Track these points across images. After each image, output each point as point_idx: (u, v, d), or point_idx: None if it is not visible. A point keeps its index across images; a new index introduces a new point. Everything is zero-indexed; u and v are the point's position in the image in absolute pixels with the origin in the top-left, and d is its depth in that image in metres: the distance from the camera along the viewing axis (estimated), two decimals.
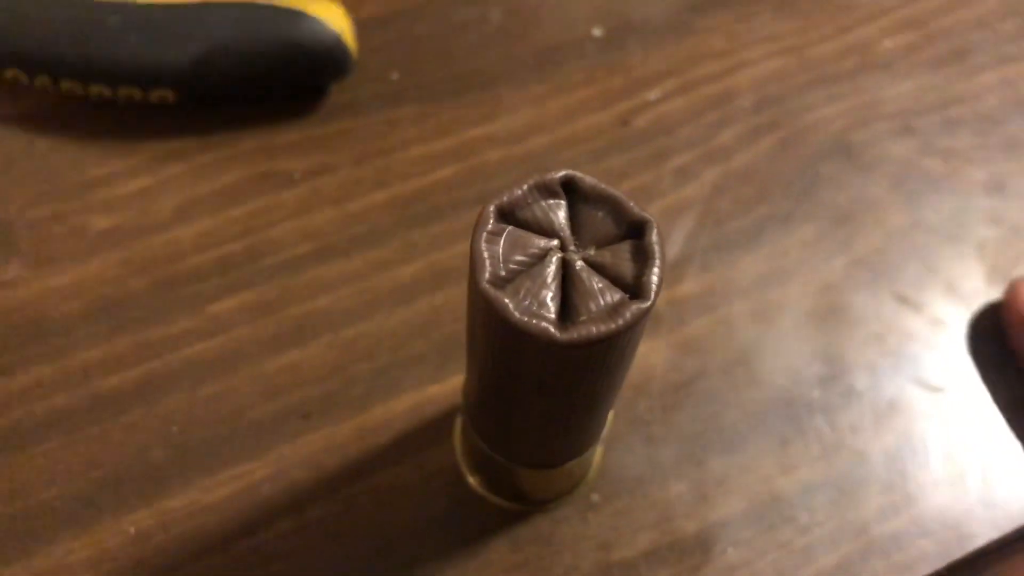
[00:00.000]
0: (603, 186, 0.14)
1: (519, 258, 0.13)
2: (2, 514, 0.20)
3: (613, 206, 0.14)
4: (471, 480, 0.20)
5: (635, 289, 0.13)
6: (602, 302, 0.13)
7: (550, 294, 0.13)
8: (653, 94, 0.26)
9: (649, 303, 0.13)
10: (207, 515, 0.20)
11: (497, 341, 0.14)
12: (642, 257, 0.13)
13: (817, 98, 0.26)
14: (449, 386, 0.21)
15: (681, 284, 0.23)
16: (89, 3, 0.23)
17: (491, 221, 0.13)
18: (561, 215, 0.14)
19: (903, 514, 0.20)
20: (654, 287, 0.13)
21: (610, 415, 0.18)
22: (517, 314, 0.13)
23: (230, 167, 0.24)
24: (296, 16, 0.23)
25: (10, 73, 0.23)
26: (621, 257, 0.14)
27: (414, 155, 0.24)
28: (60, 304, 0.22)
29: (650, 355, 0.22)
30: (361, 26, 0.25)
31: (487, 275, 0.13)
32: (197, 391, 0.21)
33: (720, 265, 0.23)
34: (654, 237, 0.13)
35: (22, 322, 0.21)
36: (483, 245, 0.13)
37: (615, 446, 0.21)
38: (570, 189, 0.14)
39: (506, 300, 0.13)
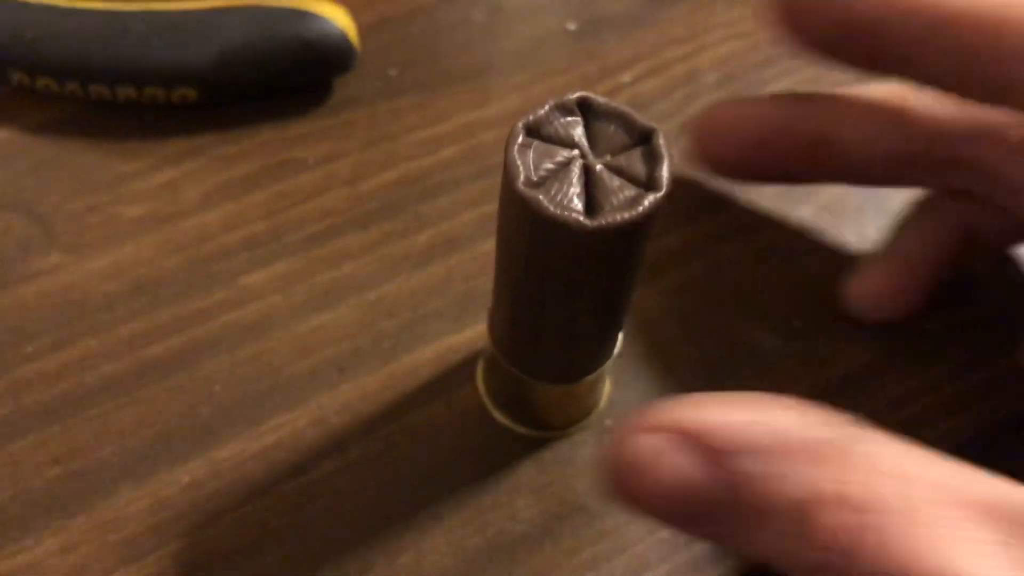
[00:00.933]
0: (613, 104, 0.16)
1: (547, 166, 0.16)
2: (62, 472, 0.21)
3: (623, 120, 0.16)
4: (496, 414, 0.22)
5: (649, 184, 0.15)
6: (622, 196, 0.15)
7: (576, 191, 0.15)
8: (627, 76, 0.28)
9: (663, 192, 0.15)
10: (255, 462, 0.21)
11: (530, 239, 0.16)
12: (652, 158, 0.16)
13: (772, 73, 0.29)
14: (467, 336, 0.23)
15: (668, 235, 0.25)
16: (115, 12, 0.25)
17: (520, 136, 0.16)
18: (579, 130, 0.16)
19: None
20: (665, 180, 0.15)
21: (620, 337, 0.20)
22: (551, 207, 0.15)
23: (249, 157, 0.26)
24: (305, 16, 0.25)
25: (42, 82, 0.25)
26: (634, 160, 0.16)
27: (417, 139, 0.26)
28: (101, 285, 0.23)
29: (646, 299, 0.24)
30: (360, 30, 0.27)
31: (521, 179, 0.15)
32: (236, 353, 0.23)
33: (704, 214, 0.26)
34: (661, 141, 0.16)
35: (67, 303, 0.23)
36: (516, 155, 0.16)
37: (622, 379, 0.23)
38: (585, 108, 0.16)
39: (540, 196, 0.15)
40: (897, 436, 0.14)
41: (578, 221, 0.15)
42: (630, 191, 0.15)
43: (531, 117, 0.16)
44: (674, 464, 0.14)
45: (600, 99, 0.16)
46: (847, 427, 0.14)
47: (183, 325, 0.23)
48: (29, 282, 0.23)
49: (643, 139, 0.16)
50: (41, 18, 0.25)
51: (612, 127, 0.16)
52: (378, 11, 0.29)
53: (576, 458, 0.22)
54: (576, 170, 0.16)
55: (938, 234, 0.23)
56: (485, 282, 0.23)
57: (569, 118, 0.16)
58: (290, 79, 0.26)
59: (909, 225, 0.24)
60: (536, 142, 0.16)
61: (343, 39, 0.25)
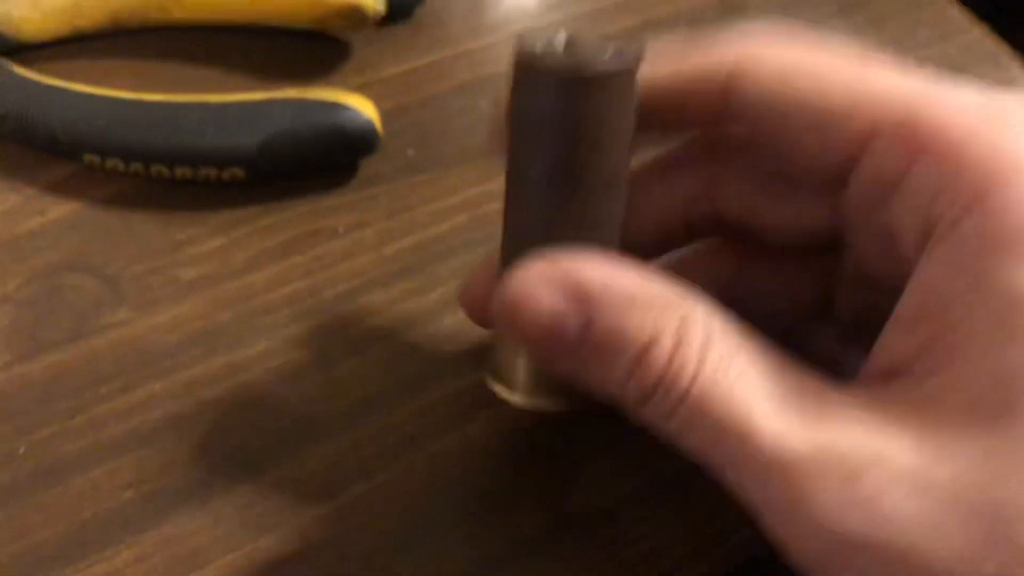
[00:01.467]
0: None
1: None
2: (135, 495, 0.25)
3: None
4: (513, 395, 0.24)
5: (629, 50, 0.19)
6: (605, 55, 0.18)
7: (563, 42, 0.19)
8: None
9: (641, 51, 0.19)
10: (293, 482, 0.25)
11: (523, 103, 0.19)
12: (631, 47, 0.19)
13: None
14: (475, 379, 0.27)
15: None
16: (174, 103, 0.29)
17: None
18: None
19: None
20: (644, 48, 0.19)
21: None
22: (545, 59, 0.18)
23: (288, 227, 0.30)
24: (338, 107, 0.29)
25: (110, 162, 0.29)
26: (616, 47, 0.19)
27: (432, 209, 0.31)
28: (163, 336, 0.27)
29: None
30: (381, 116, 0.32)
31: (521, 51, 0.19)
32: (280, 393, 0.27)
33: None
34: (644, 49, 0.19)
35: (134, 352, 0.27)
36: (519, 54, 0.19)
37: None
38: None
39: (532, 52, 0.19)
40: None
41: (569, 65, 0.18)
42: (612, 51, 0.19)
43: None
44: (547, 300, 0.19)
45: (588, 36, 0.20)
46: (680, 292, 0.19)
47: (234, 371, 0.27)
48: (101, 334, 0.27)
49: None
50: (110, 108, 0.30)
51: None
52: (397, 100, 0.33)
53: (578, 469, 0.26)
54: (564, 38, 0.19)
55: None
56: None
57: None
58: (324, 160, 0.30)
59: None
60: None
61: (370, 127, 0.30)
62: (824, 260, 0.23)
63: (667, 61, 0.21)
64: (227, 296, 0.28)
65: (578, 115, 0.19)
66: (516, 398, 0.23)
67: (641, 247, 0.22)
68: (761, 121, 0.21)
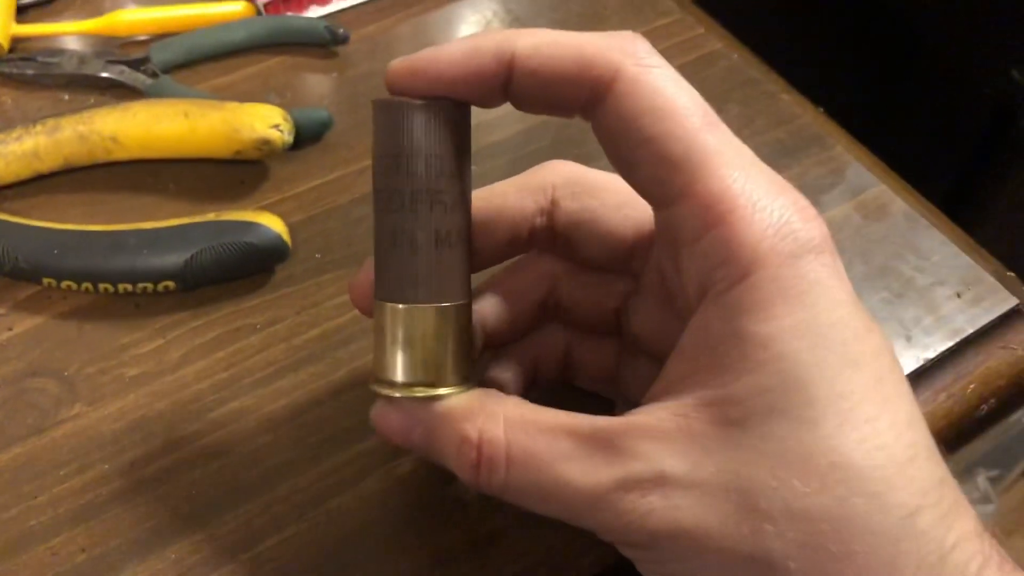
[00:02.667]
0: None
1: None
2: (87, 558, 0.30)
3: None
4: (384, 388, 0.27)
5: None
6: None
7: None
8: None
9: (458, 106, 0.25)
10: (220, 541, 0.31)
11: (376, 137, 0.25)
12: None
13: None
14: (373, 444, 0.33)
15: None
16: (114, 231, 0.36)
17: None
18: None
19: None
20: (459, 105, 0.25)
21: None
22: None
23: (214, 326, 0.36)
24: (251, 226, 0.36)
25: (65, 283, 0.36)
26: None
27: (335, 303, 0.37)
28: (110, 425, 0.33)
29: None
30: (293, 226, 0.38)
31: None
32: (208, 467, 0.32)
33: None
34: None
35: (87, 440, 0.33)
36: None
37: None
38: None
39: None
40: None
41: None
42: None
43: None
44: (394, 427, 0.26)
45: None
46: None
47: (170, 450, 0.33)
48: (60, 427, 0.33)
49: None
50: (63, 239, 0.36)
51: None
52: (308, 212, 0.40)
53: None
54: None
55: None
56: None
57: None
58: (242, 270, 0.36)
59: None
60: None
61: (280, 241, 0.36)
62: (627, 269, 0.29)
63: (556, 43, 0.24)
64: (164, 388, 0.34)
65: (395, 137, 0.24)
66: (395, 392, 0.26)
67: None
68: (617, 135, 0.24)
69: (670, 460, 0.22)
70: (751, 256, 0.22)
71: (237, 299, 0.37)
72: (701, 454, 0.22)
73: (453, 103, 0.25)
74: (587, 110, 0.24)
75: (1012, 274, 0.39)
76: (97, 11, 0.47)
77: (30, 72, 0.44)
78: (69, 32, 0.46)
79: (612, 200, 0.29)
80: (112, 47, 0.46)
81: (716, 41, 0.48)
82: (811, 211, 0.23)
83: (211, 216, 0.36)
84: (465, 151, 0.26)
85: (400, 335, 0.26)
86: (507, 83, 0.24)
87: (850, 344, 0.22)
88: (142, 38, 0.47)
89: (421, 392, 0.26)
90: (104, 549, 0.31)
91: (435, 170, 0.25)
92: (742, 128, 0.44)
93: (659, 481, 0.22)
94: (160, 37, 0.46)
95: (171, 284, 0.36)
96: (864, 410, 0.22)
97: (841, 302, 0.23)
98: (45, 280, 0.36)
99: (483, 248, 0.28)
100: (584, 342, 0.31)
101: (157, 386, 0.34)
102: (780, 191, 0.23)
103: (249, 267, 0.36)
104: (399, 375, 0.26)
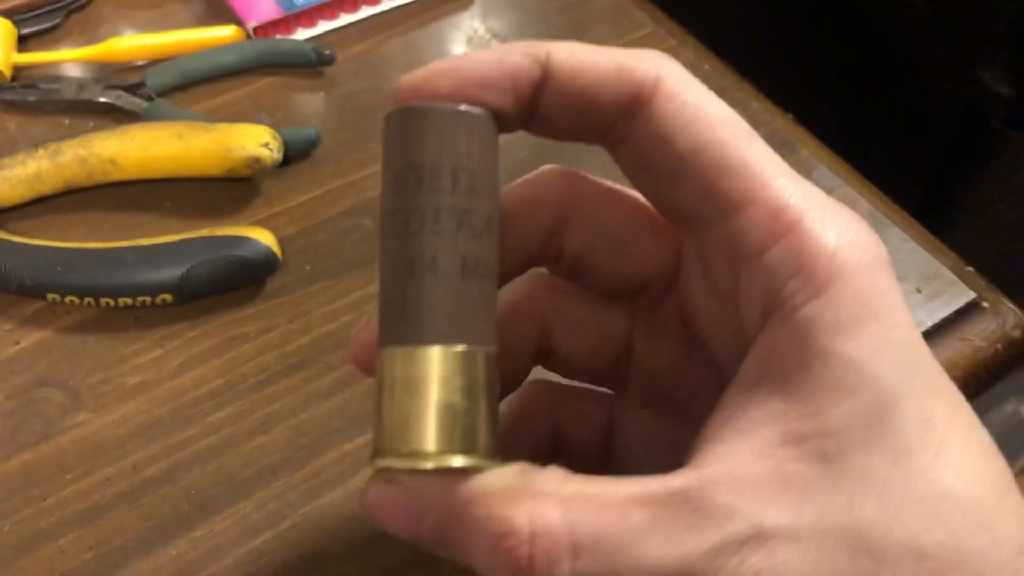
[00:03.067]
0: None
1: None
2: (94, 556, 0.32)
3: None
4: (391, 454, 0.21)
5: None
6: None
7: None
8: None
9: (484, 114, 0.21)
10: (219, 537, 0.33)
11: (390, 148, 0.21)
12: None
13: None
14: (359, 444, 0.35)
15: None
16: (113, 248, 0.38)
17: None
18: None
19: None
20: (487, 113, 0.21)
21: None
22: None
23: (210, 336, 0.38)
24: (243, 240, 0.38)
25: (68, 299, 0.38)
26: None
27: (325, 311, 0.39)
28: (114, 431, 0.35)
29: None
30: (284, 239, 0.40)
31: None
32: (205, 468, 0.34)
33: None
34: None
35: (91, 445, 0.35)
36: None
37: None
38: None
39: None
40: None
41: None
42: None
43: None
44: (398, 512, 0.21)
45: None
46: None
47: (170, 452, 0.35)
48: (66, 434, 0.35)
49: None
50: (65, 257, 0.38)
51: None
52: (298, 225, 0.42)
53: None
54: None
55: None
56: (371, 407, 0.35)
57: None
58: (235, 282, 0.38)
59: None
60: None
61: (270, 253, 0.38)
62: (632, 308, 0.26)
63: (592, 50, 0.22)
64: (163, 395, 0.36)
65: (418, 146, 0.20)
66: (406, 463, 0.20)
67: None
68: (658, 145, 0.22)
69: (768, 512, 0.19)
70: (827, 267, 0.20)
71: (231, 310, 0.39)
72: (800, 499, 0.19)
73: (485, 110, 0.21)
74: (621, 124, 0.22)
75: (971, 269, 0.41)
76: (94, 39, 0.49)
77: (32, 99, 0.46)
78: (68, 59, 0.48)
79: (633, 221, 0.25)
80: (109, 73, 0.48)
81: (688, 52, 0.50)
82: (867, 225, 0.22)
83: (205, 232, 0.38)
84: (495, 169, 0.22)
85: (415, 386, 0.20)
86: (540, 89, 0.22)
87: (929, 367, 0.21)
88: (138, 63, 0.49)
89: (451, 461, 0.19)
90: (109, 547, 0.32)
91: (465, 184, 0.20)
92: None
93: (760, 539, 0.19)
94: (155, 62, 0.48)
95: (168, 297, 0.38)
96: (953, 439, 0.20)
97: (912, 322, 0.21)
98: (49, 296, 0.38)
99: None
100: (572, 403, 0.28)
101: (157, 393, 0.36)
102: (835, 204, 0.21)
103: (242, 279, 0.38)
104: (415, 441, 0.20)
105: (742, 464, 0.20)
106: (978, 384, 0.39)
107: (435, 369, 0.20)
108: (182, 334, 0.38)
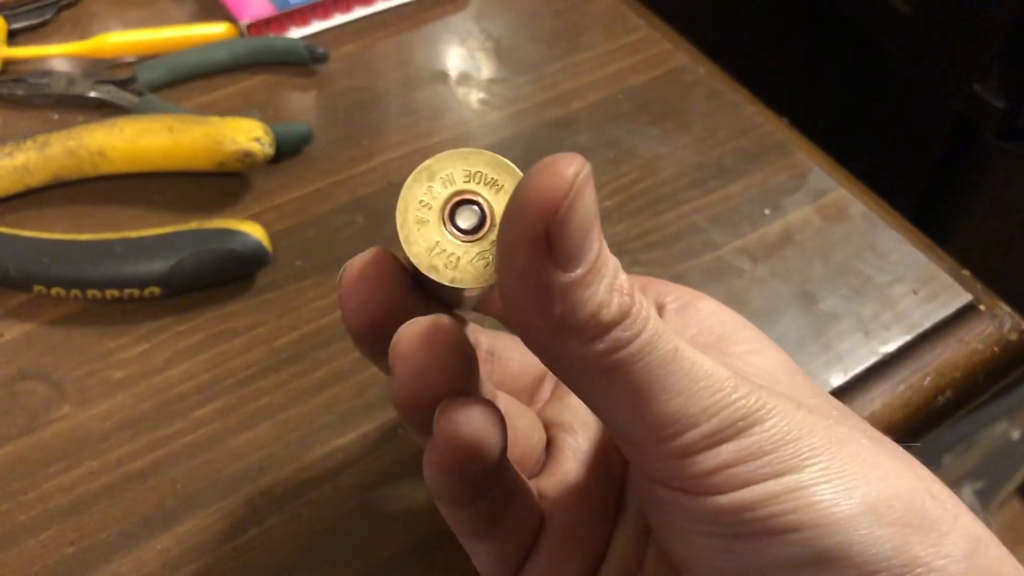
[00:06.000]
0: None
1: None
2: (76, 550, 0.31)
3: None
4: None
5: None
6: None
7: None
8: None
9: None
10: (204, 533, 0.32)
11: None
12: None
13: None
14: (348, 440, 0.34)
15: None
16: (101, 240, 0.37)
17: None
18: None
19: None
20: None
21: None
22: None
23: (198, 330, 0.37)
24: (233, 233, 0.37)
25: (54, 290, 0.37)
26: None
27: (315, 307, 0.38)
28: (98, 425, 0.35)
29: None
30: (274, 235, 0.40)
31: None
32: (191, 462, 0.34)
33: None
34: None
35: (75, 439, 0.34)
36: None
37: None
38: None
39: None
40: None
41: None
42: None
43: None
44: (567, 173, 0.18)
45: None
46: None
47: (155, 447, 0.34)
48: (48, 427, 0.35)
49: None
50: (52, 248, 0.37)
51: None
52: (288, 221, 0.41)
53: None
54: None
55: None
56: (361, 402, 0.35)
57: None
58: (224, 276, 0.38)
59: None
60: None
61: (260, 247, 0.38)
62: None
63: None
64: (149, 389, 0.36)
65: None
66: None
67: None
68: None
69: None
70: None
71: (220, 304, 0.38)
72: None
73: None
74: None
75: (967, 272, 0.41)
76: (85, 34, 0.49)
77: (20, 92, 0.45)
78: (58, 54, 0.48)
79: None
80: (100, 68, 0.48)
81: (683, 56, 0.50)
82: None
83: (194, 225, 0.38)
84: None
85: None
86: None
87: (807, 388, 0.24)
88: (128, 59, 0.48)
89: None
90: (92, 541, 0.32)
91: None
92: (707, 137, 0.45)
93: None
94: (146, 58, 0.48)
95: (156, 290, 0.37)
96: (871, 471, 0.20)
97: (780, 355, 0.26)
98: (35, 288, 0.37)
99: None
100: None
101: (143, 387, 0.36)
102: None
103: (231, 273, 0.38)
104: None
105: None
106: (975, 387, 0.39)
107: None
108: (169, 328, 0.37)
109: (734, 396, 0.20)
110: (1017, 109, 0.64)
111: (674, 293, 0.28)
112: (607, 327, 0.18)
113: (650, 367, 0.19)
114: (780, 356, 0.25)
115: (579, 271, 0.18)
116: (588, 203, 0.18)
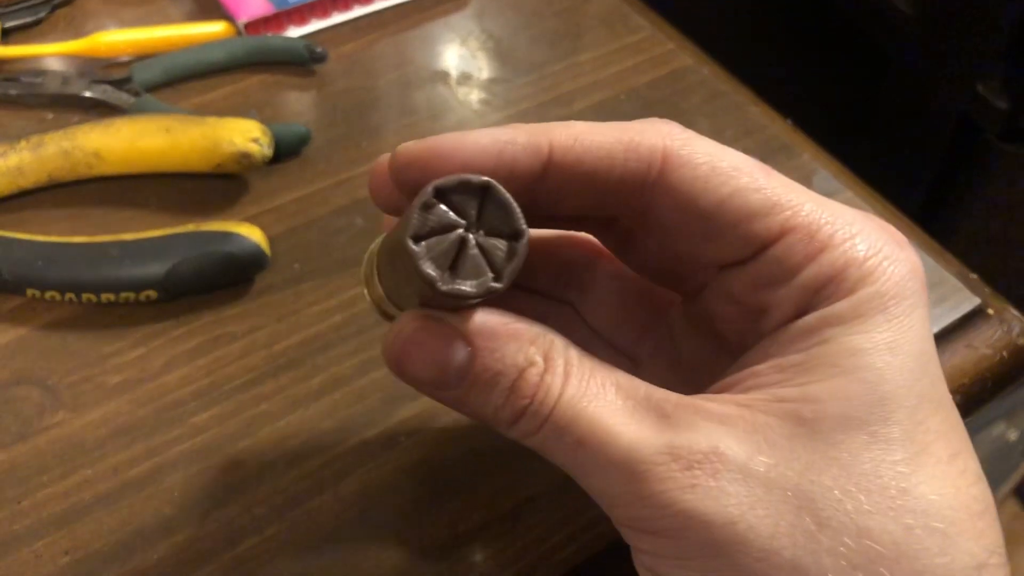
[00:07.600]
0: (508, 196, 0.21)
1: (432, 226, 0.20)
2: (70, 560, 0.31)
3: (508, 212, 0.21)
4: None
5: (498, 275, 0.21)
6: (475, 276, 0.20)
7: (447, 256, 0.20)
8: None
9: (502, 286, 0.21)
10: (202, 542, 0.31)
11: (403, 272, 0.22)
12: (511, 255, 0.21)
13: None
14: (348, 447, 0.34)
15: None
16: (97, 243, 0.36)
17: (428, 195, 0.20)
18: (474, 205, 0.21)
19: None
20: (508, 278, 0.21)
21: None
22: (424, 267, 0.20)
23: (195, 335, 0.37)
24: (231, 236, 0.37)
25: (48, 294, 0.36)
26: (498, 249, 0.21)
27: (314, 311, 0.37)
28: (94, 431, 0.34)
29: None
30: (273, 237, 0.39)
31: (411, 231, 0.20)
32: (188, 470, 0.33)
33: None
34: (524, 244, 0.21)
35: (70, 446, 0.33)
36: (416, 211, 0.20)
37: None
38: (486, 191, 0.21)
39: (416, 249, 0.20)
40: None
41: (434, 279, 0.20)
42: (484, 272, 0.21)
43: (441, 182, 0.20)
44: (434, 347, 0.22)
45: (500, 188, 0.21)
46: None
47: (152, 454, 0.33)
48: (43, 433, 0.34)
49: (514, 236, 0.21)
50: (46, 251, 0.37)
51: (500, 213, 0.21)
52: (287, 224, 0.41)
53: None
54: (454, 238, 0.20)
55: None
56: (361, 409, 0.34)
57: (470, 194, 0.21)
58: (222, 279, 0.37)
59: None
60: (437, 205, 0.20)
61: (258, 250, 0.37)
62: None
63: (595, 131, 0.23)
64: (145, 395, 0.35)
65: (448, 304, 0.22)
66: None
67: None
68: (681, 209, 0.23)
69: (727, 440, 0.20)
70: (857, 274, 0.21)
71: (218, 308, 0.37)
72: (762, 445, 0.20)
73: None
74: (635, 199, 0.23)
75: (975, 276, 0.41)
76: (80, 33, 0.48)
77: (14, 92, 0.45)
78: (53, 53, 0.47)
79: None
80: (95, 68, 0.47)
81: (687, 57, 0.49)
82: (902, 237, 0.23)
83: (191, 227, 0.37)
84: None
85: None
86: (540, 180, 0.23)
87: (934, 380, 0.22)
88: (124, 59, 0.48)
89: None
90: (87, 552, 0.31)
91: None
92: (712, 137, 0.45)
93: (711, 457, 0.20)
94: (142, 58, 0.47)
95: (152, 294, 0.36)
96: (939, 449, 0.21)
97: (931, 338, 0.22)
98: (29, 291, 0.36)
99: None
100: None
101: (139, 393, 0.35)
102: (865, 216, 0.23)
103: (229, 276, 0.37)
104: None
105: (721, 405, 0.21)
106: (983, 392, 0.38)
107: None
108: (166, 332, 0.37)
109: (656, 483, 0.21)
110: (1020, 110, 0.64)
111: (837, 281, 0.22)
112: (508, 423, 0.22)
113: (563, 450, 0.22)
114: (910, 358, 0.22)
115: (456, 391, 0.22)
116: (423, 358, 0.22)
